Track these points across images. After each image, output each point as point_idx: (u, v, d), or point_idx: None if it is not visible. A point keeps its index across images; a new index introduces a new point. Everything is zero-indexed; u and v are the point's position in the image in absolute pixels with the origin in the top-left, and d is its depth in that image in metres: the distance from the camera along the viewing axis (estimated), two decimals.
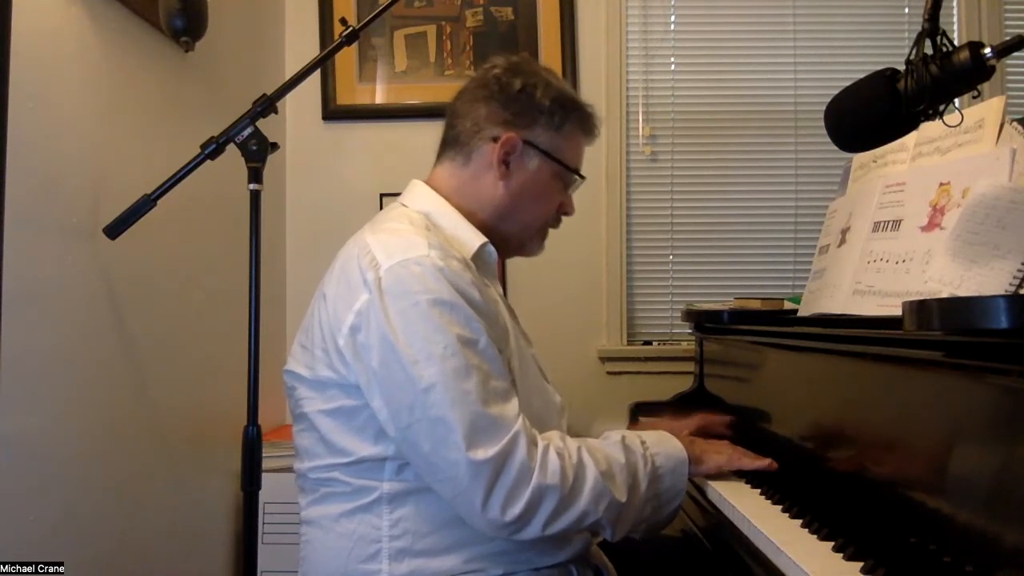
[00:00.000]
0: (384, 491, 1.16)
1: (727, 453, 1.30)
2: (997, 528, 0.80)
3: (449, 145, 1.33)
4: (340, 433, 1.17)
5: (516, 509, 1.07)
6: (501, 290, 1.33)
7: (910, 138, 1.31)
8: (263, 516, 2.07)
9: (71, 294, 1.44)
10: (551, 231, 1.40)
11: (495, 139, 1.27)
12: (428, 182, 1.33)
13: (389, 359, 1.09)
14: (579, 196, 1.39)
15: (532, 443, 1.10)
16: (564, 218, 1.40)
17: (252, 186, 1.48)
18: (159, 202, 1.48)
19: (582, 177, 1.37)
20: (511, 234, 1.33)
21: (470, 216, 1.28)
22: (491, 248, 1.28)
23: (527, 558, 1.18)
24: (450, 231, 1.25)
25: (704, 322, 1.91)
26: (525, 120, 1.28)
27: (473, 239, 1.25)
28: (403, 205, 1.30)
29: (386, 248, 1.14)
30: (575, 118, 1.32)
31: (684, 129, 2.64)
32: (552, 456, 1.10)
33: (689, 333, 2.20)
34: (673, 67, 2.65)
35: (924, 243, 1.17)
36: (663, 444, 1.23)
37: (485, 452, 1.06)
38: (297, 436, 1.25)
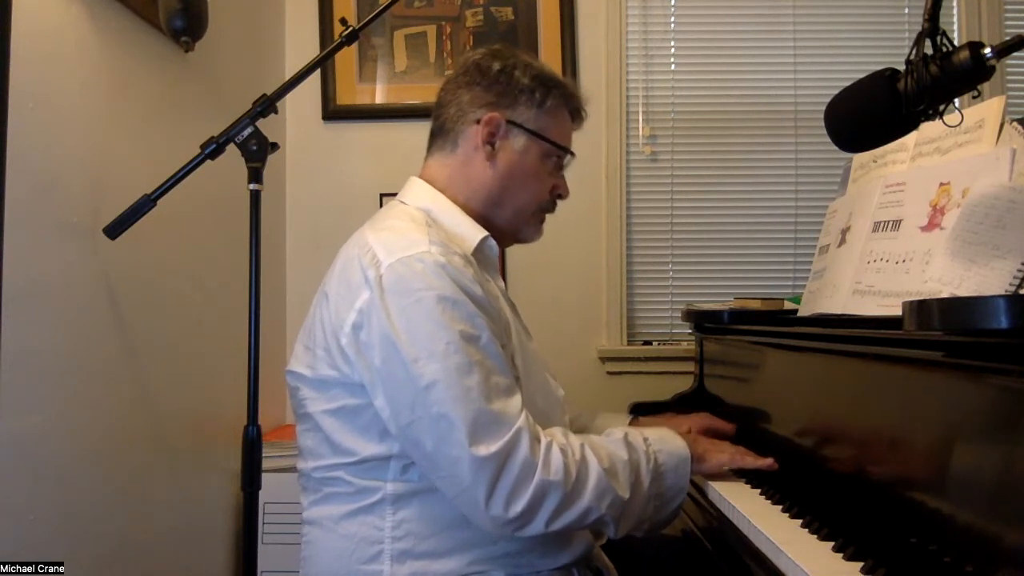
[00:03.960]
0: (388, 492, 1.16)
1: (729, 451, 1.30)
2: (997, 528, 0.80)
3: (436, 135, 1.34)
4: (344, 433, 1.17)
5: (519, 506, 1.07)
6: (503, 284, 1.34)
7: (910, 138, 1.31)
8: (263, 516, 2.07)
9: (71, 294, 1.44)
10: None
11: (478, 121, 1.28)
12: (422, 177, 1.33)
13: (391, 357, 1.09)
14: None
15: (535, 439, 1.09)
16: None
17: (252, 186, 1.48)
18: (159, 202, 1.48)
19: (571, 154, 1.37)
20: (506, 220, 1.32)
21: (465, 207, 1.29)
22: (492, 242, 1.28)
23: (529, 561, 1.18)
24: (450, 227, 1.25)
25: (704, 322, 1.92)
26: (507, 100, 1.29)
27: (474, 233, 1.26)
28: (402, 203, 1.30)
29: (387, 246, 1.14)
30: (557, 95, 1.32)
31: (684, 129, 2.64)
32: (555, 452, 1.10)
33: (689, 333, 2.20)
34: (673, 67, 2.65)
35: (924, 243, 1.17)
36: (666, 442, 1.23)
37: (488, 448, 1.06)
38: (301, 436, 1.25)
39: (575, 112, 1.37)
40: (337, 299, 1.16)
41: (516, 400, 1.11)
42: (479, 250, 1.25)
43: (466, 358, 1.08)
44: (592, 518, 1.12)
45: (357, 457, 1.16)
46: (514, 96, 1.29)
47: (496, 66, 1.30)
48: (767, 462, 1.27)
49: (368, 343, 1.11)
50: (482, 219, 1.30)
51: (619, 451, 1.17)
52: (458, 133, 1.30)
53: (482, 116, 1.28)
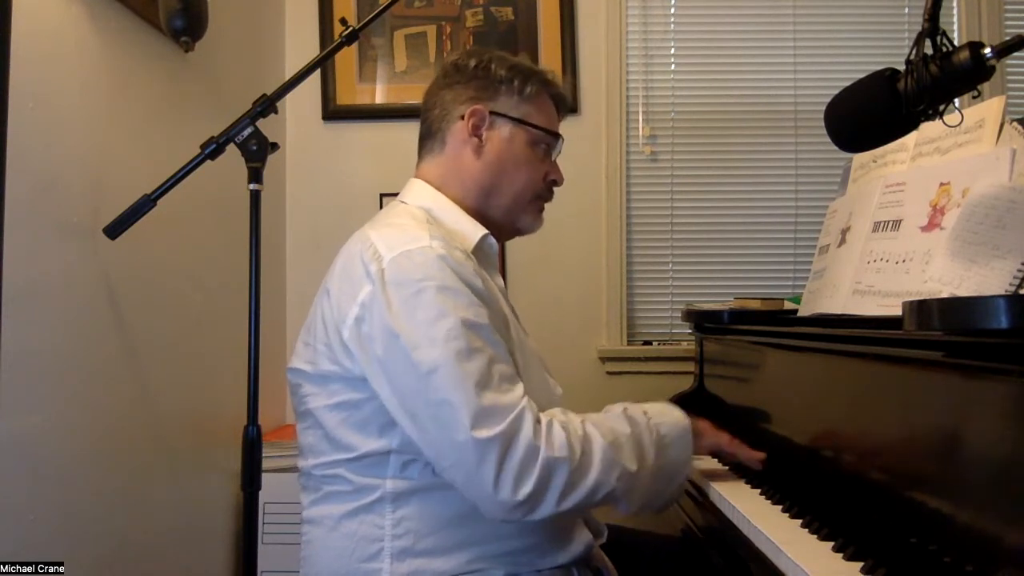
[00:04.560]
0: (387, 490, 1.16)
1: (727, 436, 1.32)
2: (997, 528, 0.80)
3: (425, 138, 1.36)
4: (344, 428, 1.17)
5: (527, 487, 1.06)
6: (502, 283, 1.34)
7: (910, 138, 1.31)
8: (263, 516, 2.07)
9: (71, 294, 1.44)
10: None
11: (463, 117, 1.30)
12: (419, 178, 1.34)
13: (392, 347, 1.10)
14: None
15: (536, 420, 1.10)
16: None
17: (252, 186, 1.48)
18: (159, 202, 1.48)
19: (558, 136, 1.37)
20: (503, 210, 1.33)
21: (460, 204, 1.30)
22: (492, 240, 1.29)
23: (529, 559, 1.18)
24: (451, 225, 1.26)
25: (704, 322, 1.92)
26: (488, 93, 1.32)
27: (474, 231, 1.27)
28: (403, 202, 1.31)
29: (388, 241, 1.16)
30: (536, 81, 1.34)
31: (684, 129, 2.64)
32: (557, 429, 1.10)
33: (689, 333, 2.20)
34: (673, 67, 2.65)
35: (924, 243, 1.17)
36: (665, 414, 1.23)
37: (490, 431, 1.05)
38: (301, 434, 1.25)
39: (557, 98, 1.39)
40: (339, 294, 1.17)
41: (519, 387, 1.11)
42: (479, 247, 1.26)
43: (467, 344, 1.08)
44: (603, 493, 1.12)
45: (356, 453, 1.16)
46: (494, 88, 1.32)
47: (472, 62, 1.33)
48: (759, 456, 1.29)
49: (370, 335, 1.12)
50: (479, 214, 1.31)
51: (621, 425, 1.17)
52: (445, 132, 1.32)
53: (465, 111, 1.30)
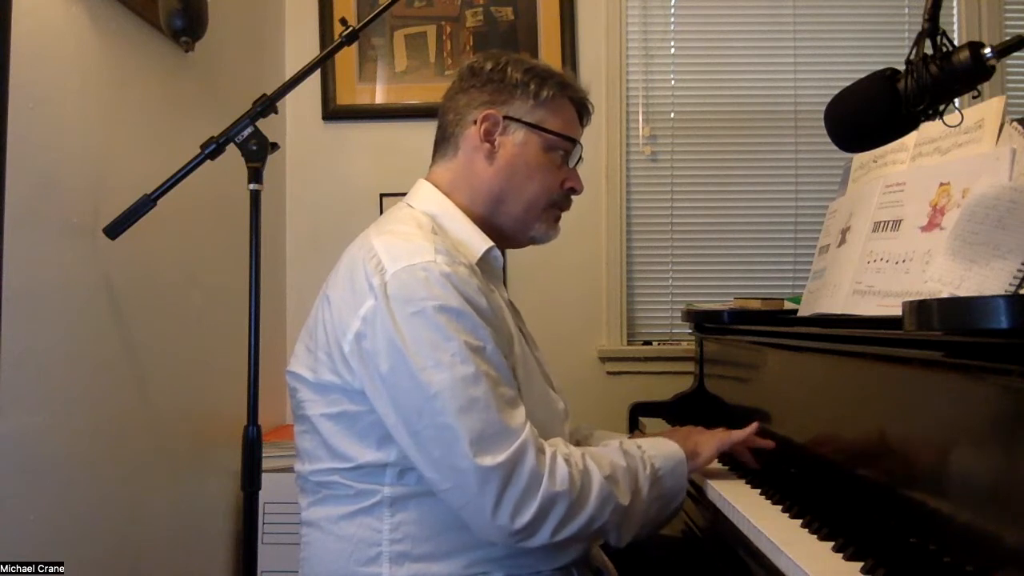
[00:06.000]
0: (385, 495, 1.15)
1: (718, 435, 1.32)
2: (997, 528, 0.80)
3: (439, 143, 1.35)
4: (341, 438, 1.17)
5: (526, 517, 1.07)
6: (506, 294, 1.33)
7: (910, 138, 1.31)
8: (263, 516, 2.07)
9: (71, 294, 1.44)
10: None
11: (476, 121, 1.28)
12: (428, 180, 1.32)
13: (398, 365, 1.09)
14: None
15: (540, 451, 1.09)
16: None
17: (252, 186, 1.48)
18: (159, 202, 1.48)
19: (575, 142, 1.33)
20: (515, 217, 1.30)
21: (468, 210, 1.28)
22: (497, 252, 1.27)
23: (528, 562, 1.17)
24: (456, 234, 1.24)
25: (704, 322, 1.92)
26: (502, 97, 1.29)
27: (480, 243, 1.25)
28: (409, 206, 1.29)
29: (392, 252, 1.14)
30: (552, 84, 1.30)
31: (684, 129, 2.64)
32: (560, 463, 1.10)
33: (689, 333, 2.20)
34: (673, 67, 2.65)
35: (924, 243, 1.17)
36: (659, 447, 1.24)
37: (493, 459, 1.06)
38: (298, 437, 1.25)
39: (577, 102, 1.35)
40: (340, 304, 1.16)
41: (521, 411, 1.11)
42: (484, 260, 1.24)
43: (472, 368, 1.08)
44: (596, 526, 1.13)
45: (354, 463, 1.16)
46: (509, 92, 1.29)
47: (488, 66, 1.31)
48: (752, 428, 1.31)
49: (373, 351, 1.10)
50: (488, 222, 1.29)
51: (617, 459, 1.17)
52: (458, 136, 1.30)
53: (478, 116, 1.28)
